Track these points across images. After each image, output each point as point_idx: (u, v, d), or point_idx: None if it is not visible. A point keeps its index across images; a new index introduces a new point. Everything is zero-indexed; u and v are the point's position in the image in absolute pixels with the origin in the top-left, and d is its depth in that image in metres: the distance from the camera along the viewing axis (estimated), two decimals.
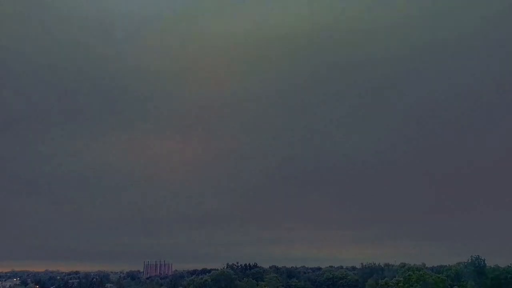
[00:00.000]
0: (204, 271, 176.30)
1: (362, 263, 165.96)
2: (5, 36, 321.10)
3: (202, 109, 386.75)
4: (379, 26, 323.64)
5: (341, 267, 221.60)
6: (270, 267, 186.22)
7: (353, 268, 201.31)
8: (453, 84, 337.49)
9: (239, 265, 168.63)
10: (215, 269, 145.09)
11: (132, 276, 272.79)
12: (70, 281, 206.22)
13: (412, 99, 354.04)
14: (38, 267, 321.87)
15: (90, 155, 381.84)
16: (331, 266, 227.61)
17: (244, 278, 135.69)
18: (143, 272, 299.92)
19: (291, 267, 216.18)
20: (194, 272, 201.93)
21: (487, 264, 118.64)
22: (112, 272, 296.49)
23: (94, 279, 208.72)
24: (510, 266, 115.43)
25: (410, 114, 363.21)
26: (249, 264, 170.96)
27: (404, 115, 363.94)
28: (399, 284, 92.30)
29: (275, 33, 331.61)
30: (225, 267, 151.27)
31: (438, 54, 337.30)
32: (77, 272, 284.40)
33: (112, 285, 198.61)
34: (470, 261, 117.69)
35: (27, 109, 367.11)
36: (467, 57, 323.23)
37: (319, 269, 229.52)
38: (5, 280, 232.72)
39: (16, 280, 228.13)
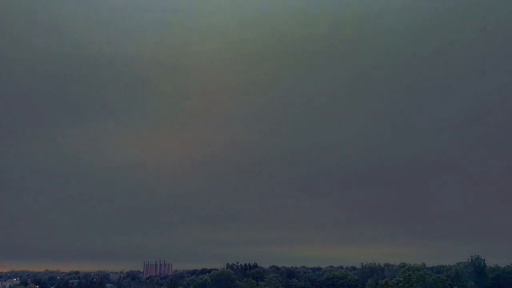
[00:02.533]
0: (204, 271, 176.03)
1: (362, 263, 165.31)
2: None
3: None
4: None
5: (341, 267, 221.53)
6: (270, 267, 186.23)
7: (353, 268, 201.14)
8: None
9: (239, 265, 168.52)
10: (215, 269, 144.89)
11: (132, 276, 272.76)
12: (70, 281, 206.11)
13: None
14: (38, 267, 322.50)
15: (89, 156, 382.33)
16: (331, 266, 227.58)
17: (244, 278, 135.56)
18: (143, 272, 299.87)
19: (291, 267, 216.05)
20: (194, 272, 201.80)
21: (487, 264, 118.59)
22: (112, 272, 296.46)
23: (94, 279, 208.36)
24: (510, 266, 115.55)
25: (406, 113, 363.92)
26: (249, 264, 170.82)
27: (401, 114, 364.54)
28: (399, 284, 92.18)
29: None
30: (225, 267, 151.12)
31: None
32: (77, 272, 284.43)
33: (112, 285, 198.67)
34: (470, 261, 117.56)
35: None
36: None
37: (319, 269, 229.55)
38: (5, 280, 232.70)
39: (16, 280, 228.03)
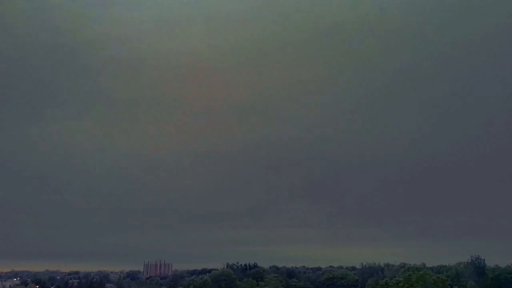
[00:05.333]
0: (204, 271, 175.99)
1: (362, 263, 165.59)
2: None
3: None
4: None
5: (341, 267, 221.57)
6: (270, 267, 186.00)
7: (353, 268, 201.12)
8: None
9: (239, 265, 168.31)
10: (215, 269, 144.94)
11: (132, 276, 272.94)
12: (70, 281, 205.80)
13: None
14: (38, 267, 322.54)
15: (89, 155, 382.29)
16: (331, 266, 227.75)
17: (244, 278, 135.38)
18: (143, 272, 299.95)
19: (291, 267, 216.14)
20: (194, 272, 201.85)
21: (487, 264, 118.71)
22: (112, 272, 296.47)
23: (94, 279, 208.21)
24: (510, 266, 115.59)
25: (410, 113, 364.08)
26: (249, 264, 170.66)
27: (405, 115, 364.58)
28: (399, 284, 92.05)
29: None
30: (225, 267, 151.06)
31: None
32: (77, 272, 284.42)
33: (112, 285, 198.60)
34: (470, 261, 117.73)
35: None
36: None
37: (319, 269, 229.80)
38: (5, 280, 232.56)
39: (16, 280, 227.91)
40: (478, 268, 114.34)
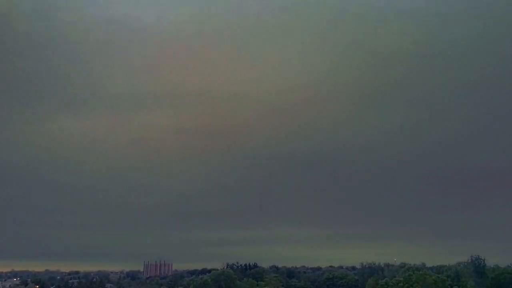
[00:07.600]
0: (204, 271, 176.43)
1: (362, 263, 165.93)
2: None
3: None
4: None
5: (341, 267, 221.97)
6: (270, 267, 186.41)
7: (353, 268, 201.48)
8: None
9: (239, 265, 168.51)
10: (215, 269, 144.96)
11: (132, 276, 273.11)
12: (70, 281, 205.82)
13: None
14: (38, 267, 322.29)
15: (87, 156, 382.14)
16: (331, 266, 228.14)
17: (244, 278, 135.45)
18: (143, 272, 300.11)
19: (291, 267, 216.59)
20: (194, 272, 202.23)
21: (487, 264, 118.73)
22: (112, 272, 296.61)
23: (94, 279, 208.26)
24: (510, 266, 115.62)
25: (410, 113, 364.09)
26: (249, 264, 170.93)
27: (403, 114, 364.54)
28: (399, 284, 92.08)
29: None
30: (225, 267, 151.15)
31: None
32: (77, 272, 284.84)
33: (112, 285, 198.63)
34: (470, 261, 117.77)
35: None
36: None
37: (319, 269, 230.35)
38: (5, 280, 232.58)
39: (16, 280, 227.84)
40: (478, 268, 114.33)
